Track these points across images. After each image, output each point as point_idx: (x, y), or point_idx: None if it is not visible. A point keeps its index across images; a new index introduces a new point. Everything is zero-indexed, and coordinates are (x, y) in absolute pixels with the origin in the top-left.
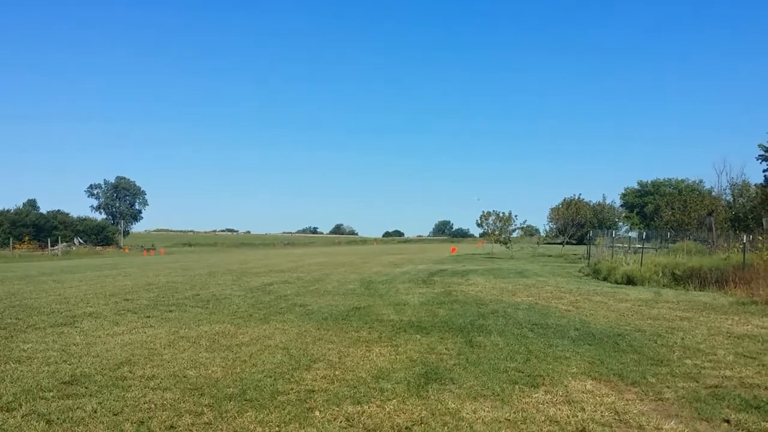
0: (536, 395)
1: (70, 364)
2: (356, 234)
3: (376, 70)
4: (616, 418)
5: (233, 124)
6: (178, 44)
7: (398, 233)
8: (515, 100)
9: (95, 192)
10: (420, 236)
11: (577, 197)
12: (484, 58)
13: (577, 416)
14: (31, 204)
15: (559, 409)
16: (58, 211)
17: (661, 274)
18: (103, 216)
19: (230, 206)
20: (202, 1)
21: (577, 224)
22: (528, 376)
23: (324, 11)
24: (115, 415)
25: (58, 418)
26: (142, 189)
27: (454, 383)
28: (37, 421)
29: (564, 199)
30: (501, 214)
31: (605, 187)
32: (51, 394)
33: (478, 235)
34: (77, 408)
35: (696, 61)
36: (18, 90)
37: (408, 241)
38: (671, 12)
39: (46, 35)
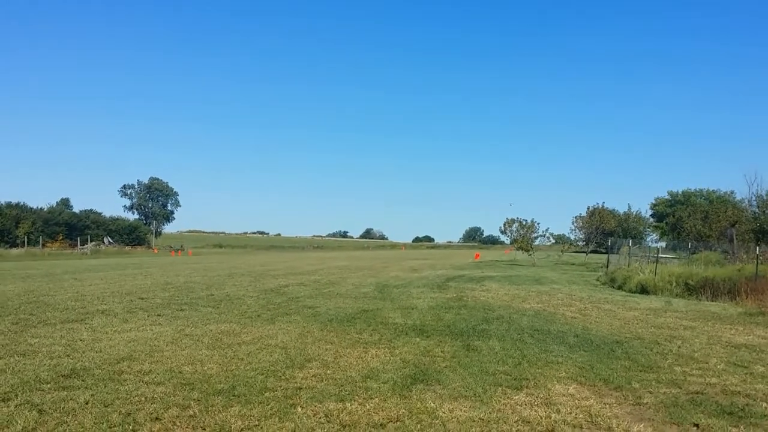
0: (517, 397)
1: (72, 359)
2: (386, 238)
3: (408, 74)
4: (588, 420)
5: (265, 127)
6: (211, 45)
7: (428, 239)
8: (549, 106)
9: (128, 192)
10: (450, 242)
11: (601, 206)
12: (515, 64)
13: (551, 417)
14: (65, 203)
15: (535, 411)
16: (91, 210)
17: (674, 284)
18: (136, 216)
19: (262, 209)
20: (238, 1)
21: (602, 233)
22: (515, 379)
23: (359, 15)
24: (106, 406)
25: (50, 408)
26: (174, 190)
27: (439, 384)
28: (29, 411)
29: (588, 208)
30: (524, 222)
31: (638, 197)
32: (48, 386)
33: (509, 242)
34: (70, 399)
35: (733, 70)
36: (52, 88)
37: (437, 246)
38: (707, 20)
39: (80, 33)
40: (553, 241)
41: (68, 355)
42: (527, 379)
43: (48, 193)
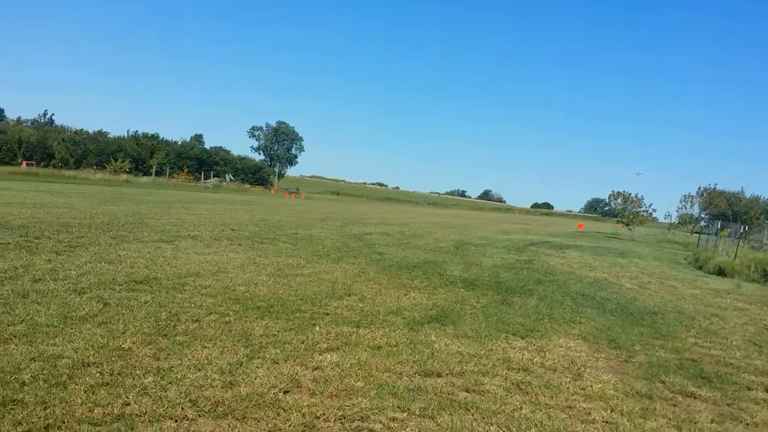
0: (515, 343)
1: (148, 270)
2: (503, 201)
3: (538, 45)
4: (565, 366)
5: (397, 85)
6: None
7: (547, 206)
8: (685, 87)
9: (256, 134)
10: (569, 211)
11: (713, 187)
12: (647, 42)
13: (532, 360)
14: (197, 139)
15: (521, 354)
16: (221, 147)
17: (753, 269)
18: (262, 157)
19: (384, 161)
20: None
21: (710, 214)
22: (526, 329)
23: None
24: (160, 307)
25: (113, 303)
26: (300, 135)
27: (453, 325)
28: (96, 302)
29: (698, 188)
30: (628, 196)
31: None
32: (120, 287)
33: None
34: (133, 299)
35: None
36: (190, 34)
37: (552, 214)
38: None
39: None
40: (676, 219)
41: (146, 267)
42: (537, 331)
43: (184, 129)
